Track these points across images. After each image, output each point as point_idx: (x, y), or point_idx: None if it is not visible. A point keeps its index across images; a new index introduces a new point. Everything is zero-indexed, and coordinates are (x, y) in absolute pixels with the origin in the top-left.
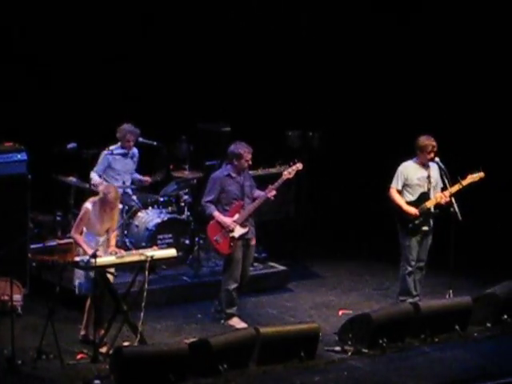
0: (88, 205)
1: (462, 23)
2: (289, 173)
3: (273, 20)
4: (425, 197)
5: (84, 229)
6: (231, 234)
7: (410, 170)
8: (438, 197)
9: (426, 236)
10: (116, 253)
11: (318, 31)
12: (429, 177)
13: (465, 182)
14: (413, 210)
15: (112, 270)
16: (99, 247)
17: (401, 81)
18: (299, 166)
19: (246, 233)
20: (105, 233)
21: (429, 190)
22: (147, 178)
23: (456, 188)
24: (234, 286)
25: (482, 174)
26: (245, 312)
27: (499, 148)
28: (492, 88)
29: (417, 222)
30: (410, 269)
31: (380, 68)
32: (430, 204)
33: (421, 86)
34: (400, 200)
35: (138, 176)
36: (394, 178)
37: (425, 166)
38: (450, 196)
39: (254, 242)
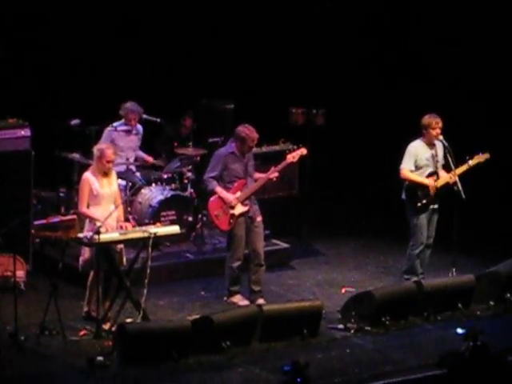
0: (86, 173)
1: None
2: (293, 157)
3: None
4: (434, 176)
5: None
6: (231, 211)
7: (419, 150)
8: (447, 177)
9: (434, 213)
10: (120, 227)
11: (321, 7)
12: (435, 156)
13: (472, 163)
14: (432, 183)
15: (122, 246)
16: (105, 220)
17: (405, 57)
18: (303, 150)
19: (247, 211)
20: (109, 202)
21: (436, 168)
22: (150, 159)
23: (464, 168)
24: (237, 263)
25: (487, 155)
26: (248, 289)
27: (503, 127)
28: (498, 71)
29: (425, 201)
30: (420, 248)
31: (384, 44)
32: (440, 183)
33: (425, 63)
34: (417, 176)
35: (141, 154)
36: (404, 159)
37: (431, 144)
38: (458, 176)
39: (260, 219)
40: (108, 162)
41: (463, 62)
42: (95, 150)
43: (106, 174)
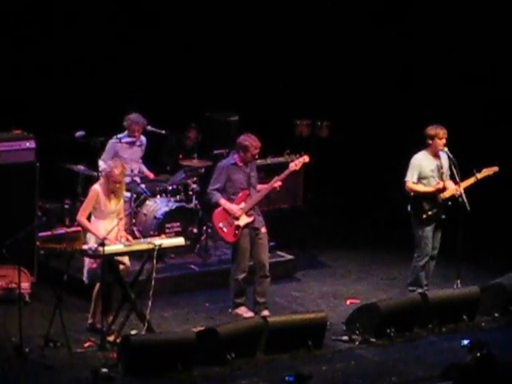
0: (96, 186)
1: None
2: (295, 165)
3: (281, 8)
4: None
5: (92, 217)
6: (236, 222)
7: (423, 162)
8: (453, 189)
9: (439, 225)
10: (126, 239)
11: (326, 19)
12: (440, 167)
13: (480, 176)
14: (437, 186)
15: (126, 260)
16: (108, 234)
17: (410, 69)
18: (306, 158)
19: (252, 222)
20: (113, 216)
21: (442, 180)
22: (151, 175)
23: (471, 181)
24: (242, 275)
25: (495, 168)
26: (252, 301)
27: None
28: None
29: (431, 212)
30: (425, 259)
31: (389, 56)
32: (446, 195)
33: (431, 75)
34: (422, 187)
35: (143, 168)
36: (408, 172)
37: (436, 156)
38: (464, 188)
39: (264, 230)
40: (115, 182)
41: (470, 72)
42: (104, 166)
43: (114, 191)
